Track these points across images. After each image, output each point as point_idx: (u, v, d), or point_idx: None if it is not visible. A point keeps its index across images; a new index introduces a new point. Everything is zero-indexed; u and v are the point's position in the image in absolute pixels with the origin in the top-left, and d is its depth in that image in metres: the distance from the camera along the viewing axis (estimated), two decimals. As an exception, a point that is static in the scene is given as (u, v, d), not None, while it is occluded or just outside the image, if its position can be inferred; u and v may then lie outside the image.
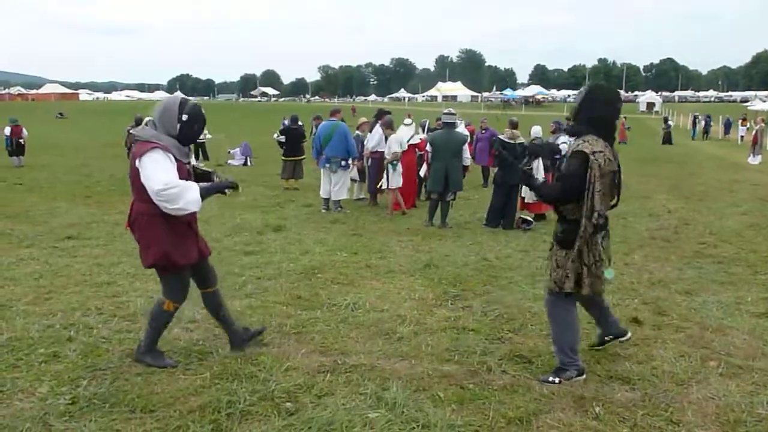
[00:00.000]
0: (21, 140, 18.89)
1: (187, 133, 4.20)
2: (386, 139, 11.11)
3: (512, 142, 10.19)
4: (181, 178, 4.09)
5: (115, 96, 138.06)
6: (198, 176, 4.45)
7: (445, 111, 10.47)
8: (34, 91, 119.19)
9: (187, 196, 3.99)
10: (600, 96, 4.21)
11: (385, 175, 11.13)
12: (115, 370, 4.34)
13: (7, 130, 18.78)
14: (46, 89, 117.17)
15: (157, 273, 4.44)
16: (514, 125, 10.54)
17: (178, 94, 4.14)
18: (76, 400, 3.88)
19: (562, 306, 4.28)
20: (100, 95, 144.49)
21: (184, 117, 4.14)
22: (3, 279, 6.55)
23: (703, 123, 38.41)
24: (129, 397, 3.91)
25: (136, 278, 6.61)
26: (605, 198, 4.08)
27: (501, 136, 10.71)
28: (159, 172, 3.98)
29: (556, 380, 4.19)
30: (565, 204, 4.15)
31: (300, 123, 16.01)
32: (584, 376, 4.26)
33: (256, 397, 3.92)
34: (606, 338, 4.73)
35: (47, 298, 5.94)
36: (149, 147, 4.04)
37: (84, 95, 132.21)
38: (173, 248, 4.20)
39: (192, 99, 4.31)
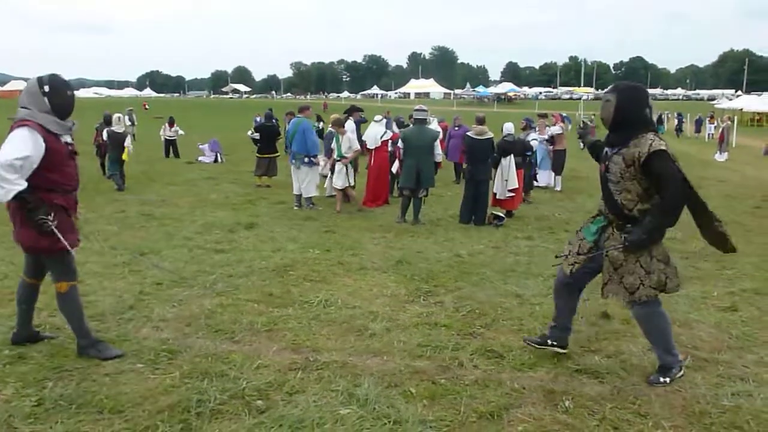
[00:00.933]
0: None
1: (59, 103, 4.18)
2: (339, 138, 10.97)
3: (480, 138, 10.24)
4: (57, 155, 4.14)
5: (83, 93, 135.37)
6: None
7: (417, 108, 10.48)
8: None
9: (9, 192, 3.96)
10: (635, 95, 4.11)
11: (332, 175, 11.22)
12: (82, 371, 4.26)
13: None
14: (12, 86, 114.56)
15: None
16: (480, 121, 10.59)
17: (35, 77, 4.24)
18: (41, 402, 3.80)
19: (657, 311, 4.17)
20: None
21: (46, 88, 4.14)
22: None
23: (676, 121, 39.03)
24: (97, 398, 3.85)
25: (104, 278, 6.49)
26: None
27: (469, 133, 10.75)
28: (15, 146, 3.97)
29: (667, 380, 4.15)
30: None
31: (275, 119, 15.94)
32: (683, 370, 4.26)
33: (226, 395, 3.88)
34: (550, 342, 4.56)
35: (11, 300, 5.80)
36: (20, 124, 4.06)
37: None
38: (63, 234, 4.23)
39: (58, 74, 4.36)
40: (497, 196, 10.51)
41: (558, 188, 14.26)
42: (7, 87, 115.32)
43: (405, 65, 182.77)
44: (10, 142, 4.02)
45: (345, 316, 5.43)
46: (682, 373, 4.23)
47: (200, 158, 19.84)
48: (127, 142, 13.87)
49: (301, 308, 5.64)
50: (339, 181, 10.88)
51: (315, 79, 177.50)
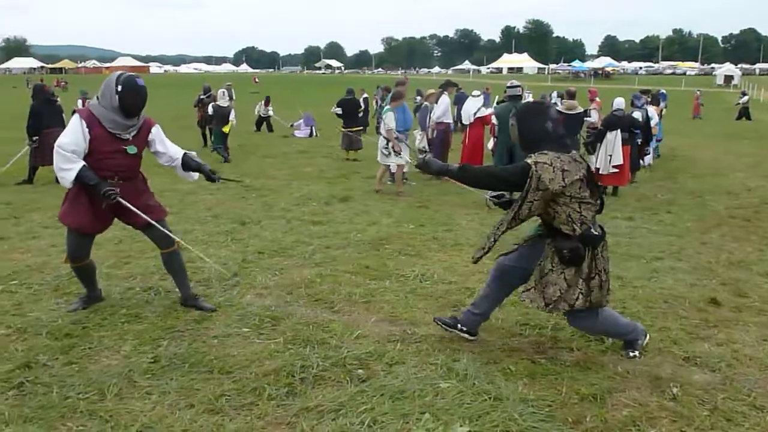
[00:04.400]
0: None
1: (126, 103, 4.47)
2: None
3: (570, 113, 9.89)
4: (99, 146, 4.45)
5: (183, 69, 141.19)
6: (189, 166, 4.91)
7: (510, 83, 10.24)
8: (107, 65, 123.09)
9: (69, 172, 4.39)
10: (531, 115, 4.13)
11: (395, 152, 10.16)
12: (192, 333, 4.49)
13: (79, 103, 19.49)
14: (119, 62, 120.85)
15: None
16: (572, 95, 10.23)
17: (117, 72, 4.55)
18: (157, 359, 4.04)
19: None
20: (169, 68, 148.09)
21: (119, 87, 4.44)
22: (85, 242, 6.84)
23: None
24: (207, 358, 4.05)
25: (209, 245, 6.79)
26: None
27: (559, 107, 10.41)
28: (63, 133, 4.49)
29: (636, 353, 4.17)
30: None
31: (363, 94, 16.08)
32: (647, 336, 4.29)
33: (328, 363, 3.99)
34: (460, 327, 4.41)
35: (126, 262, 6.19)
36: (75, 111, 4.56)
37: (154, 68, 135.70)
38: (68, 210, 4.65)
39: (132, 73, 4.69)
40: (600, 171, 10.17)
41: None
42: (115, 63, 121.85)
43: (498, 39, 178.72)
44: (66, 128, 4.53)
45: (441, 291, 5.44)
46: (647, 339, 4.28)
47: (296, 133, 20.26)
48: (232, 116, 14.41)
49: (398, 281, 5.70)
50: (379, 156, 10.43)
51: (405, 54, 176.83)
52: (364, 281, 5.67)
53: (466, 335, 4.39)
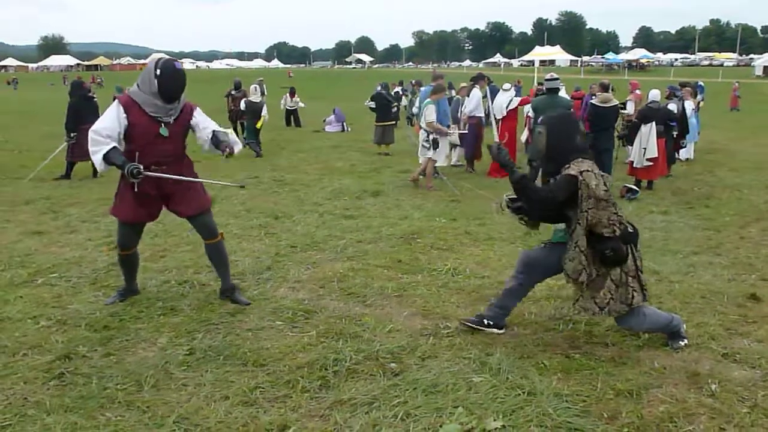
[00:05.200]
0: None
1: (166, 86, 4.51)
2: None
3: (604, 106, 9.74)
4: (140, 131, 4.52)
5: (216, 65, 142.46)
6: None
7: (548, 76, 10.12)
8: (141, 61, 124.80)
9: (97, 154, 4.42)
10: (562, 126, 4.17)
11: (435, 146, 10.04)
12: (227, 325, 4.55)
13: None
14: (153, 59, 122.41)
15: None
16: (606, 88, 10.07)
17: (157, 57, 4.60)
18: (192, 351, 4.10)
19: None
20: (202, 64, 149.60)
21: (158, 71, 4.49)
22: (122, 236, 6.98)
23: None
24: (241, 351, 4.09)
25: (243, 239, 6.87)
26: None
27: (593, 100, 10.25)
28: (99, 119, 4.58)
29: (682, 343, 4.17)
30: None
31: (397, 89, 16.08)
32: (684, 325, 4.28)
33: (361, 356, 4.00)
34: (490, 323, 4.39)
35: (162, 256, 6.28)
36: (115, 98, 4.68)
37: (187, 64, 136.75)
38: (117, 204, 4.78)
39: (170, 58, 4.76)
40: (634, 164, 10.00)
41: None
42: (150, 60, 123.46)
43: (530, 32, 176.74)
44: (104, 113, 4.60)
45: (474, 285, 5.41)
46: (684, 326, 4.29)
47: (327, 128, 20.33)
48: (264, 111, 14.54)
49: (430, 275, 5.69)
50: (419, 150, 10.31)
51: (436, 47, 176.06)
52: (397, 275, 5.68)
53: (494, 330, 4.38)
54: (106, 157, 4.42)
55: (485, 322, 4.38)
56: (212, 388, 3.64)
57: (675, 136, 10.73)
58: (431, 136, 9.83)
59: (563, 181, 3.92)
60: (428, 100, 10.17)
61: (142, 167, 4.47)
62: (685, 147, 12.12)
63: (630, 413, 3.38)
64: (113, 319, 4.62)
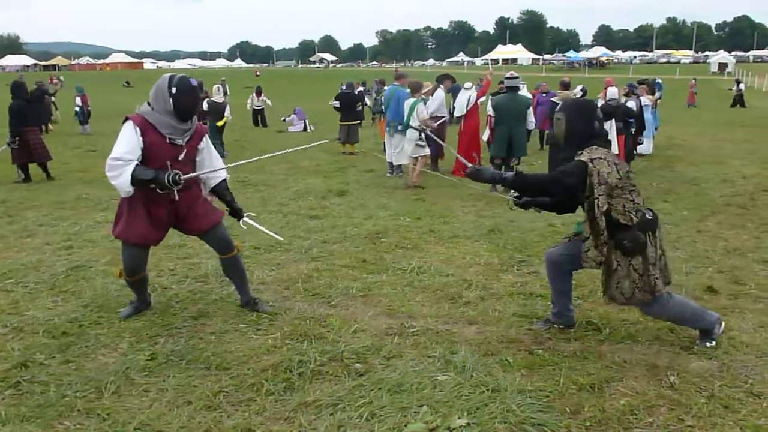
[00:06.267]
0: (89, 108, 19.62)
1: (182, 105, 4.28)
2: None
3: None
4: (154, 152, 4.24)
5: (178, 64, 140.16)
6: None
7: (508, 75, 10.21)
8: (101, 61, 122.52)
9: (120, 177, 4.14)
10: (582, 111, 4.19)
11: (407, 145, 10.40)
12: (190, 329, 4.48)
13: (78, 101, 19.42)
14: (113, 59, 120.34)
15: None
16: (565, 86, 10.22)
17: (168, 74, 4.34)
18: (154, 356, 4.03)
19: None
20: (163, 64, 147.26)
21: (173, 90, 4.24)
22: (82, 241, 6.83)
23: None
24: (204, 355, 4.04)
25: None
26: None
27: (554, 98, 10.40)
28: (117, 143, 4.23)
29: (708, 344, 4.16)
30: None
31: (360, 88, 16.08)
32: (722, 324, 4.27)
33: (326, 357, 3.98)
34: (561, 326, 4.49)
35: (156, 265, 6.14)
36: (127, 118, 4.30)
37: (148, 64, 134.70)
38: (126, 225, 4.41)
39: (183, 74, 4.41)
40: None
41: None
42: (110, 59, 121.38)
43: (492, 31, 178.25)
44: (118, 138, 4.27)
45: (439, 284, 5.43)
46: (722, 327, 4.25)
47: (290, 128, 20.21)
48: (227, 111, 14.39)
49: (395, 275, 5.69)
50: (412, 149, 10.47)
51: (400, 46, 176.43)
52: (362, 275, 5.67)
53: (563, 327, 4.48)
54: (135, 176, 4.13)
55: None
56: (175, 393, 3.58)
57: (633, 132, 10.94)
58: (422, 134, 9.86)
59: (572, 167, 3.94)
60: (414, 99, 10.19)
61: (180, 172, 4.26)
62: (642, 143, 12.36)
63: (592, 407, 3.43)
64: (72, 325, 4.51)
